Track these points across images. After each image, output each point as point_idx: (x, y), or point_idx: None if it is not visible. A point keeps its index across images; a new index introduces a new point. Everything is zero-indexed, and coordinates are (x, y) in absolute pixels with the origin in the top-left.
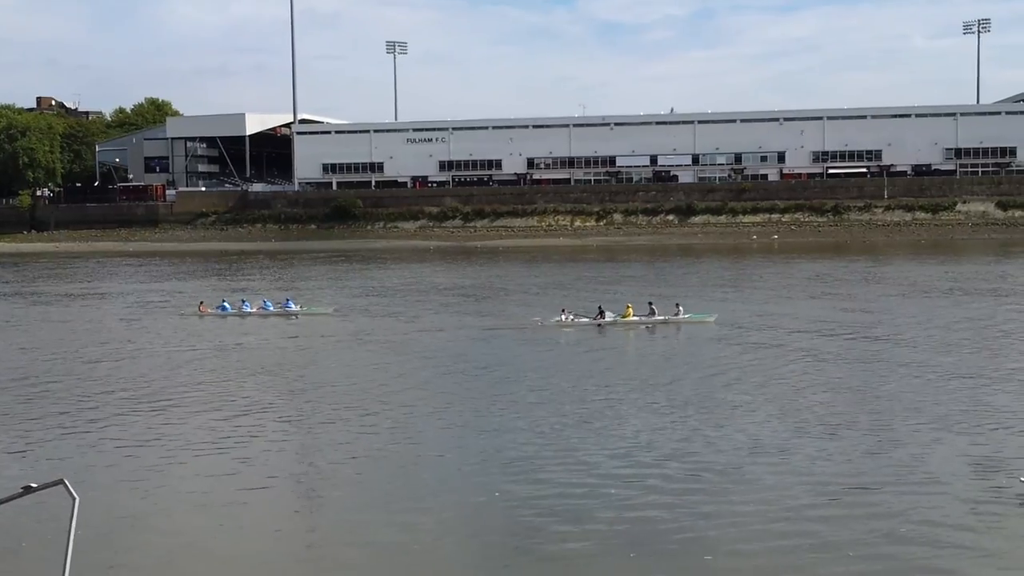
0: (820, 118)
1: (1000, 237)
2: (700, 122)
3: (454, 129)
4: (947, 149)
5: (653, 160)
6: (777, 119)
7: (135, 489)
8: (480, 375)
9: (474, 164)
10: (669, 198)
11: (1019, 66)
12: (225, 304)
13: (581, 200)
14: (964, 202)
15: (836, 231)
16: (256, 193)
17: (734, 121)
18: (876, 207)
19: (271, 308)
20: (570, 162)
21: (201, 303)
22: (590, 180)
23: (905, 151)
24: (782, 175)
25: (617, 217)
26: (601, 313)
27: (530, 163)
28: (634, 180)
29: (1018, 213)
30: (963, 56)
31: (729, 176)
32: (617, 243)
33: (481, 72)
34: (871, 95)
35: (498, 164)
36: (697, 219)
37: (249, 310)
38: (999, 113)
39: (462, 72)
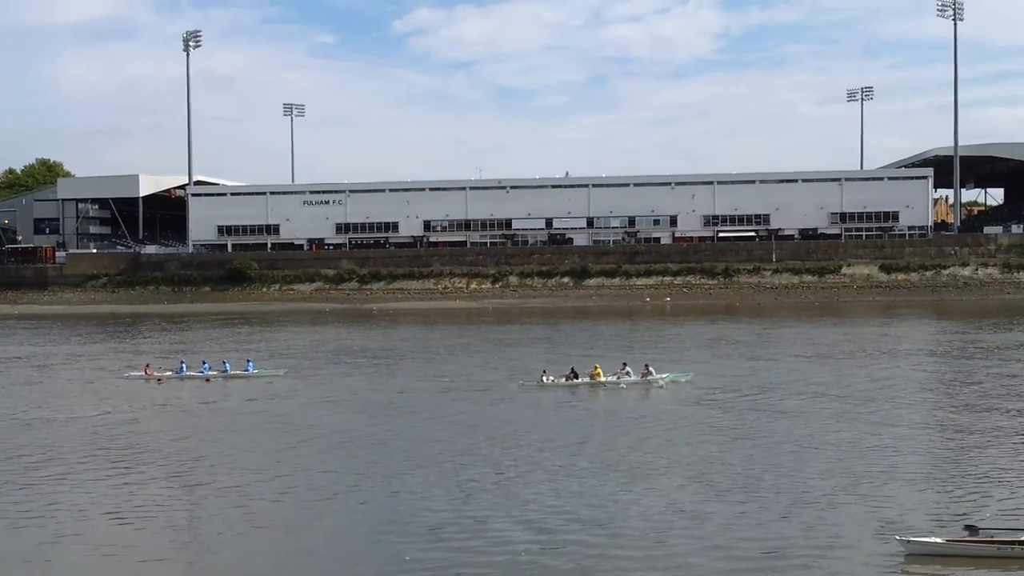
0: (711, 183)
1: (884, 300)
2: (595, 186)
3: (351, 192)
4: (832, 213)
5: (548, 223)
6: (669, 183)
7: (25, 561)
8: (417, 438)
9: (371, 227)
10: (564, 260)
11: (901, 133)
12: (183, 366)
13: (477, 263)
14: (849, 265)
15: (726, 293)
16: (149, 255)
17: (627, 185)
18: (765, 270)
19: (229, 370)
20: (467, 225)
21: (147, 365)
22: (486, 243)
23: (792, 215)
24: (674, 238)
25: (513, 279)
26: (574, 374)
27: (427, 226)
28: (530, 243)
29: (900, 276)
30: (848, 122)
31: (623, 239)
32: (513, 305)
33: (379, 135)
34: (760, 160)
35: (395, 227)
36: (592, 281)
37: (207, 372)
38: (882, 179)
39: (360, 135)
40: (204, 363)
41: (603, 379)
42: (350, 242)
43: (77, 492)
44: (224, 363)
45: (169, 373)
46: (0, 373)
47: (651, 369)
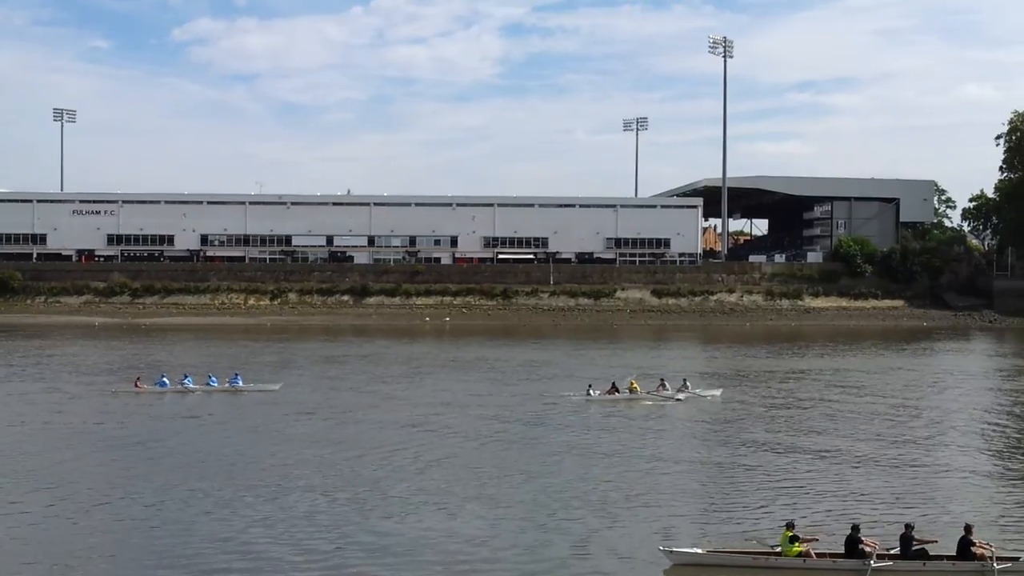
0: (491, 205)
1: (655, 323)
2: (376, 204)
3: (124, 202)
4: (608, 239)
5: (329, 240)
6: (450, 204)
7: None
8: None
9: (145, 239)
10: (345, 278)
11: (673, 163)
12: (164, 380)
13: (256, 279)
14: (623, 289)
15: (505, 314)
16: None
17: (409, 205)
18: (542, 292)
19: (215, 384)
20: (245, 240)
21: (138, 379)
22: (265, 259)
23: (570, 239)
24: (455, 259)
25: (292, 296)
26: (615, 388)
27: (204, 239)
28: (310, 260)
29: (671, 301)
30: (623, 151)
31: (404, 258)
32: (292, 322)
33: (154, 144)
34: (538, 184)
35: (170, 239)
36: (372, 300)
37: (191, 386)
38: (655, 207)
39: (134, 144)
40: (186, 376)
41: (643, 393)
42: (123, 254)
43: None
44: (210, 377)
45: (156, 386)
46: None
47: (688, 384)
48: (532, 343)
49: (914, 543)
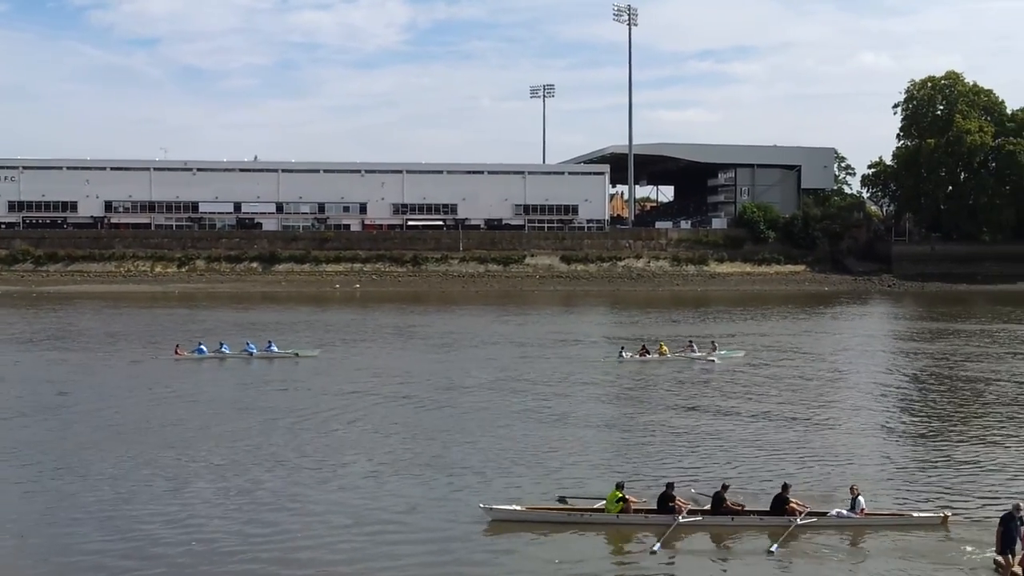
0: (400, 172)
1: (564, 289)
2: (284, 171)
3: (25, 168)
4: (516, 205)
5: (237, 207)
6: (359, 171)
7: None
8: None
9: (47, 205)
10: (253, 245)
11: (580, 130)
12: (202, 347)
13: (162, 246)
14: (532, 255)
15: (415, 281)
16: None
17: (318, 171)
18: (452, 259)
19: (255, 351)
20: (151, 206)
21: (177, 346)
22: (172, 226)
23: (479, 206)
24: (364, 225)
25: (200, 264)
26: (645, 350)
27: (108, 206)
28: (217, 227)
29: (580, 267)
30: (530, 118)
31: (313, 225)
32: (200, 290)
33: (55, 109)
34: (446, 151)
35: (73, 206)
36: (281, 267)
37: (227, 352)
38: (562, 173)
39: (33, 108)
40: (222, 344)
41: (669, 355)
42: (24, 221)
43: None
44: (248, 343)
45: (194, 353)
46: None
47: (715, 345)
48: (457, 309)
49: (725, 504)
